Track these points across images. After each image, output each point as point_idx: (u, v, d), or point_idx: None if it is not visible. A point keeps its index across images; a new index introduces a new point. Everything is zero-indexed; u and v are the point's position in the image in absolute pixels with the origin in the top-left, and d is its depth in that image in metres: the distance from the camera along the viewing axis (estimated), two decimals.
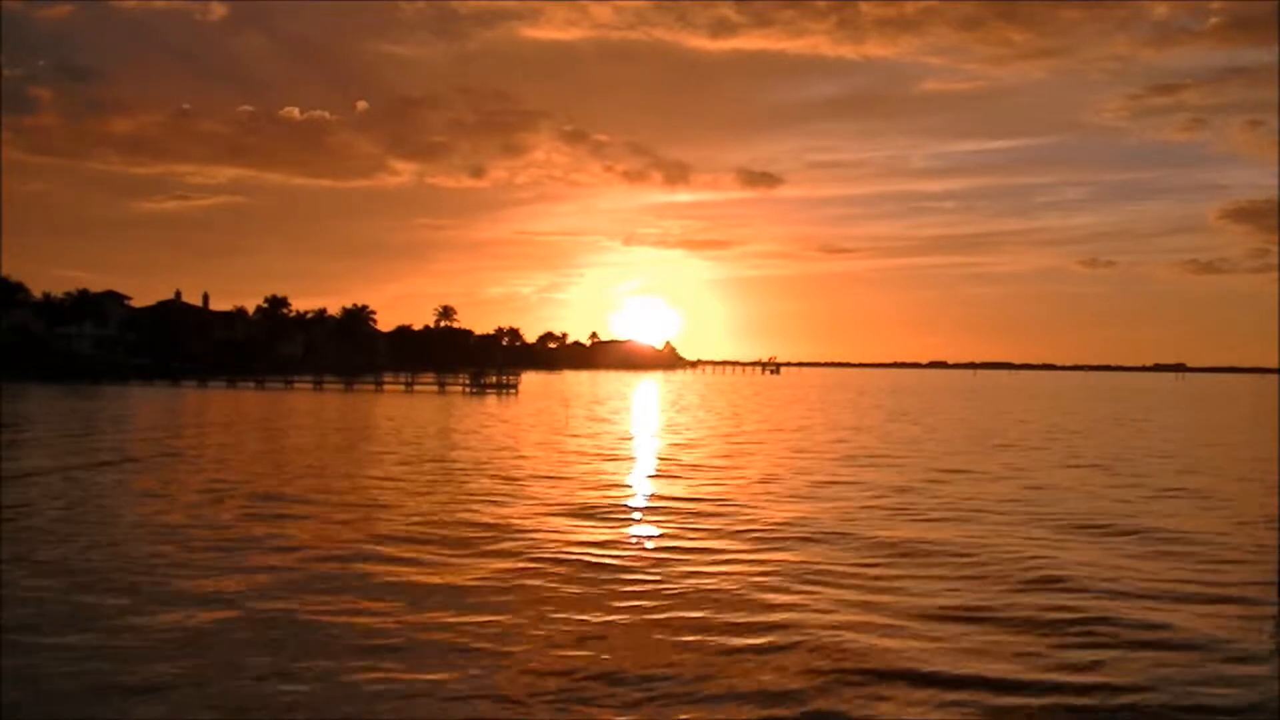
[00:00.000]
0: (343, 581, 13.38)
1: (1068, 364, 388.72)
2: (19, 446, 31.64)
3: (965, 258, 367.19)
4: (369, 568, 14.25)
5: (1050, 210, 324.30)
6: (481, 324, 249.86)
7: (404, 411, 57.89)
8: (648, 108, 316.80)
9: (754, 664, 10.04)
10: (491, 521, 18.35)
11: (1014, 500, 22.13)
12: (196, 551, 15.27)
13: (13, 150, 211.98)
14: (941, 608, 12.31)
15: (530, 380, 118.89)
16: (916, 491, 23.36)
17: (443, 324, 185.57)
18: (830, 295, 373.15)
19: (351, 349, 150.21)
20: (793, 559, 15.23)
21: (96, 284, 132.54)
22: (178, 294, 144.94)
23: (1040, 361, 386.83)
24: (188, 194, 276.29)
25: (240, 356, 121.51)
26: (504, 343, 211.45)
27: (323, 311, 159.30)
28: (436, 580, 13.51)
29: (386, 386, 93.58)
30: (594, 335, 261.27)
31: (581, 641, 10.73)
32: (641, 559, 15.36)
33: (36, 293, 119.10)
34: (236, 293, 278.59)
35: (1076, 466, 30.29)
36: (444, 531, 17.24)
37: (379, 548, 15.74)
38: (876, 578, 14.00)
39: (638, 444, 37.33)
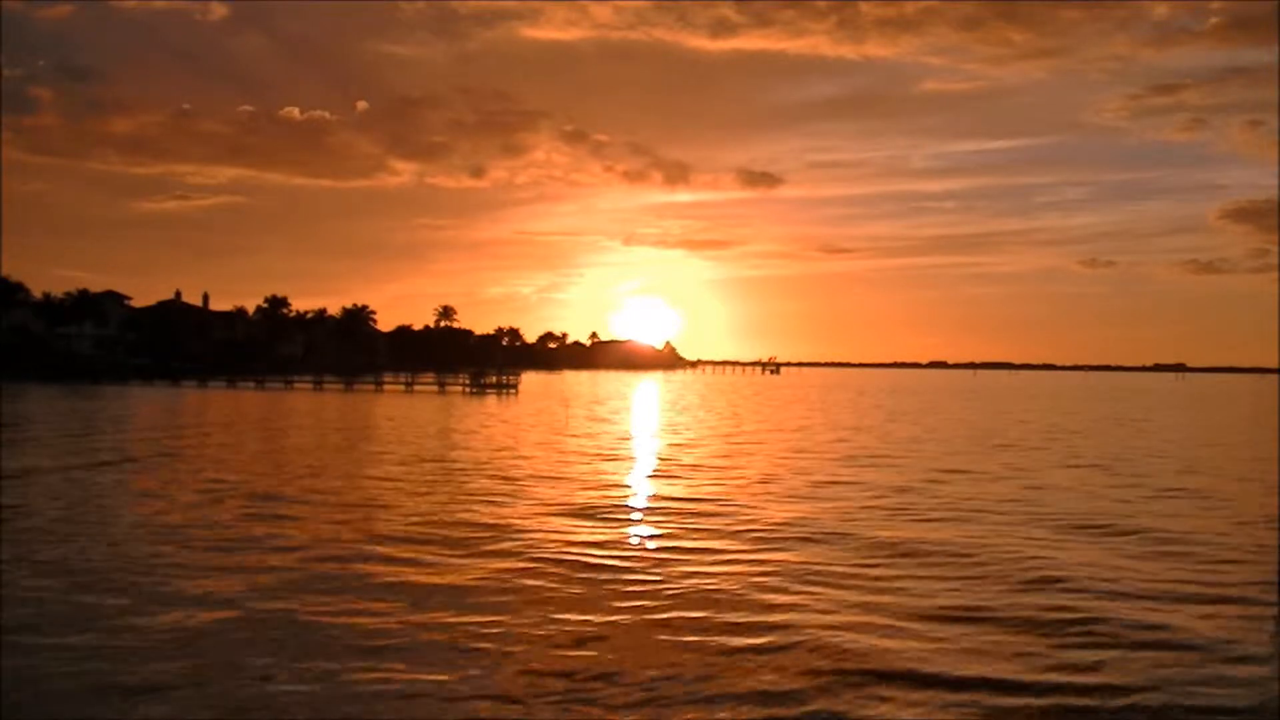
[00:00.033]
0: (343, 581, 13.38)
1: (1068, 364, 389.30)
2: (19, 446, 31.63)
3: (965, 258, 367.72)
4: (369, 568, 14.25)
5: (1050, 210, 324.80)
6: (481, 324, 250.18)
7: (404, 411, 57.89)
8: (648, 108, 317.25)
9: (754, 664, 10.03)
10: (491, 522, 18.35)
11: (1014, 500, 22.13)
12: (196, 551, 15.27)
13: (13, 150, 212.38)
14: (941, 608, 12.31)
15: (530, 380, 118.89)
16: (916, 491, 23.36)
17: (443, 324, 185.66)
18: (830, 295, 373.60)
19: (351, 349, 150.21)
20: (792, 559, 15.23)
21: (96, 284, 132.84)
22: (178, 294, 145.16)
23: (1040, 361, 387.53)
24: (188, 194, 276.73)
25: (240, 356, 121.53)
26: (504, 343, 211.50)
27: (323, 311, 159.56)
28: (436, 580, 13.51)
29: (386, 386, 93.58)
30: (594, 335, 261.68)
31: (582, 642, 10.73)
32: (641, 559, 15.36)
33: (36, 293, 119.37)
34: (236, 293, 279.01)
35: (1076, 466, 30.29)
36: (444, 532, 17.24)
37: (379, 548, 15.74)
38: (876, 578, 13.99)
39: (637, 444, 37.33)
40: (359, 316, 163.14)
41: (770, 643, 10.70)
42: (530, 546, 15.97)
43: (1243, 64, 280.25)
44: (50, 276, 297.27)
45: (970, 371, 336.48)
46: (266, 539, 16.40)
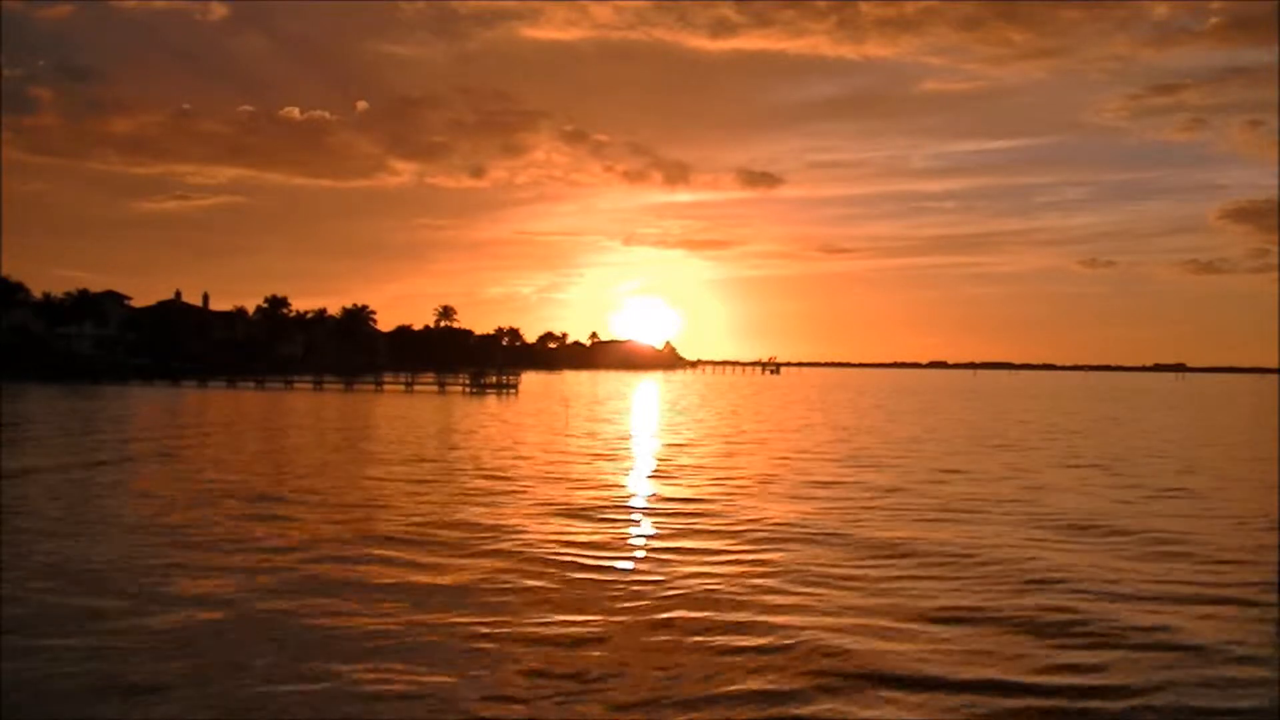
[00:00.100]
0: (342, 582, 13.37)
1: (1068, 364, 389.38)
2: (18, 446, 31.63)
3: (965, 258, 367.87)
4: (369, 568, 14.24)
5: (1050, 210, 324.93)
6: (481, 324, 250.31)
7: (404, 411, 57.89)
8: (648, 108, 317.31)
9: (753, 665, 10.03)
10: (491, 522, 18.34)
11: (1014, 501, 22.12)
12: (196, 551, 15.27)
13: (13, 150, 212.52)
14: (941, 609, 12.30)
15: (530, 380, 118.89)
16: (916, 492, 23.36)
17: (443, 324, 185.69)
18: (830, 295, 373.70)
19: (351, 349, 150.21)
20: (792, 560, 15.22)
21: (96, 284, 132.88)
22: (178, 294, 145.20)
23: (1040, 361, 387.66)
24: (188, 194, 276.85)
25: (240, 356, 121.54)
26: (504, 343, 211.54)
27: (323, 311, 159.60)
28: (436, 581, 13.51)
29: (386, 386, 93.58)
30: (594, 335, 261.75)
31: (581, 642, 10.73)
32: (641, 560, 15.37)
33: (36, 293, 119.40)
34: (236, 293, 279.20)
35: (1076, 466, 30.28)
36: (444, 532, 17.24)
37: (379, 548, 15.73)
38: (876, 579, 13.99)
39: (637, 444, 37.33)
40: (359, 316, 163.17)
41: (770, 644, 10.70)
42: (530, 547, 15.97)
43: (1243, 64, 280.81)
44: (50, 276, 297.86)
45: (970, 371, 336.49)
46: (266, 539, 16.40)
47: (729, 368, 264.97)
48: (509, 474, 26.29)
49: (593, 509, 20.16)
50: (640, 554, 15.90)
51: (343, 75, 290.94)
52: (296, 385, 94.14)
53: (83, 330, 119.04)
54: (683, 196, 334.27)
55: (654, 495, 22.76)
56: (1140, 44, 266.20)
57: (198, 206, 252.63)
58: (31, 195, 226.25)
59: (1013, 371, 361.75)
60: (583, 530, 17.71)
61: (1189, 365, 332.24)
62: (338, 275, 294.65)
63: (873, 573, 14.37)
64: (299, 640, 10.67)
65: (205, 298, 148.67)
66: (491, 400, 75.32)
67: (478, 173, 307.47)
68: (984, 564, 15.06)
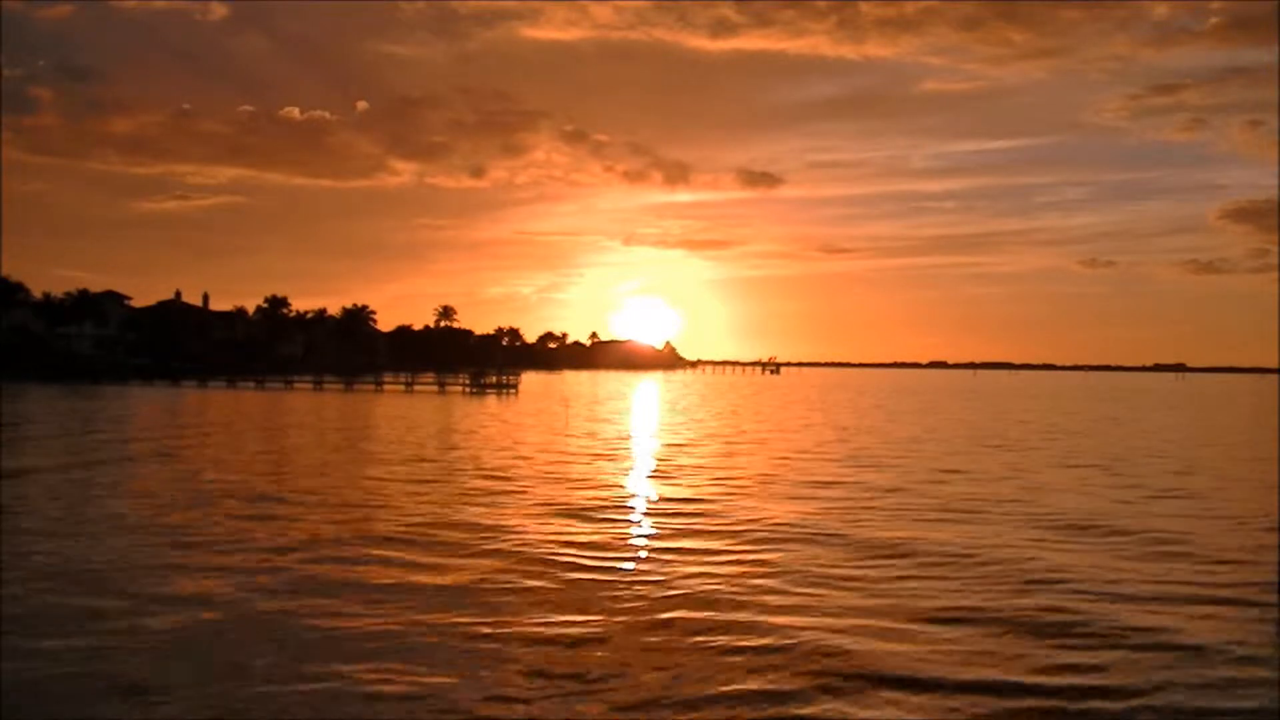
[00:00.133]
0: (343, 582, 13.37)
1: (1068, 364, 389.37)
2: (18, 446, 31.63)
3: (965, 258, 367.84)
4: (369, 568, 14.24)
5: (1050, 210, 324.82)
6: (481, 324, 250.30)
7: (404, 411, 57.90)
8: (648, 108, 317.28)
9: (753, 665, 10.03)
10: (491, 522, 18.34)
11: (1014, 501, 22.12)
12: (195, 551, 15.27)
13: (13, 150, 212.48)
14: (941, 609, 12.30)
15: (530, 380, 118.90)
16: (916, 492, 23.35)
17: (443, 324, 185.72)
18: (830, 295, 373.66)
19: (351, 349, 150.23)
20: (792, 560, 15.22)
21: (96, 284, 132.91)
22: (178, 294, 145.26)
23: (1040, 361, 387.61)
24: (188, 194, 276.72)
25: (240, 356, 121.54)
26: (504, 343, 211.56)
27: (323, 311, 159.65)
28: (436, 581, 13.50)
29: (386, 386, 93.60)
30: (594, 335, 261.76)
31: (581, 643, 10.73)
32: (641, 560, 15.37)
33: (36, 293, 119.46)
34: (236, 293, 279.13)
35: (1076, 467, 30.28)
36: (444, 532, 17.24)
37: (378, 548, 15.73)
38: (875, 579, 13.99)
39: (637, 444, 37.33)
40: (359, 316, 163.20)
41: (770, 644, 10.69)
42: (530, 547, 15.97)
43: (1243, 64, 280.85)
44: (50, 276, 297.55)
45: (970, 371, 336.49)
46: (266, 539, 16.40)
47: (729, 368, 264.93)
48: (509, 474, 26.29)
49: (593, 509, 20.16)
50: (640, 554, 15.89)
51: (343, 75, 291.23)
52: (296, 385, 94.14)
53: (83, 330, 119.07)
54: (683, 196, 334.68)
55: (654, 495, 22.76)
56: (1140, 44, 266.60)
57: (198, 206, 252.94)
58: (31, 195, 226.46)
59: (1013, 371, 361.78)
60: (583, 530, 17.71)
61: (1189, 365, 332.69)
62: (338, 275, 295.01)
63: (873, 573, 14.37)
64: (299, 640, 10.67)
65: (205, 298, 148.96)
66: (491, 400, 75.33)
67: (478, 173, 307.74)
68: (984, 564, 15.06)
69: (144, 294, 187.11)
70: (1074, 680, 9.72)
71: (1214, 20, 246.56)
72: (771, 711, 8.81)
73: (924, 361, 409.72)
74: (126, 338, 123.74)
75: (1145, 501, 22.69)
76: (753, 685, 9.42)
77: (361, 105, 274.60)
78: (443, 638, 10.82)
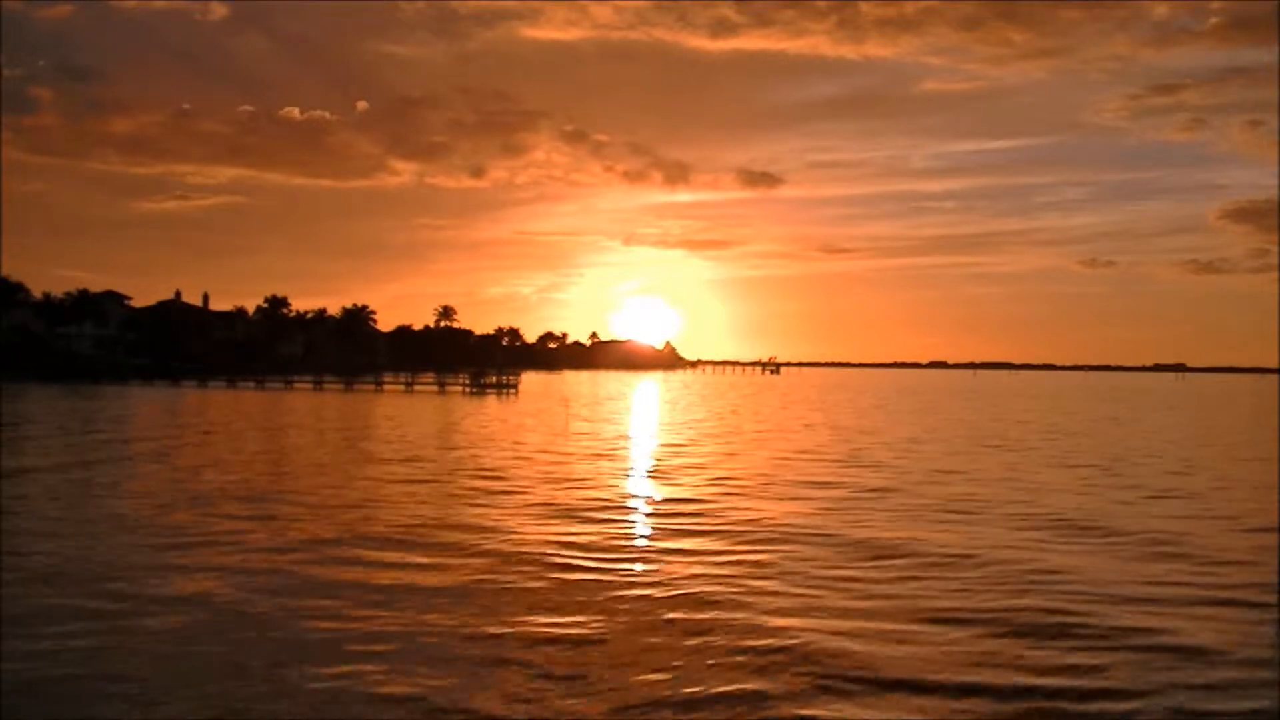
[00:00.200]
0: (342, 582, 13.37)
1: (1068, 364, 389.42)
2: (18, 446, 31.63)
3: (965, 258, 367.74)
4: (368, 568, 14.24)
5: (1050, 210, 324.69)
6: (481, 324, 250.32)
7: (404, 412, 57.90)
8: (648, 108, 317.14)
9: (753, 666, 10.01)
10: (491, 523, 18.35)
11: (1014, 502, 22.11)
12: (195, 551, 15.26)
13: (13, 150, 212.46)
14: (940, 611, 12.29)
15: (530, 380, 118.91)
16: (916, 493, 23.35)
17: (443, 324, 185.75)
18: (830, 295, 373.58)
19: (351, 349, 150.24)
20: (791, 561, 15.21)
21: (96, 284, 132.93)
22: (178, 294, 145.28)
23: (1040, 361, 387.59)
24: (188, 194, 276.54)
25: (240, 356, 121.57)
26: (504, 343, 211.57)
27: (323, 311, 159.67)
28: (435, 582, 13.49)
29: (386, 386, 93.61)
30: (594, 335, 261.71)
31: (581, 643, 10.72)
32: (640, 561, 15.36)
33: (36, 293, 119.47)
34: (236, 293, 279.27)
35: (1076, 467, 30.28)
36: (443, 533, 17.24)
37: (378, 549, 15.73)
38: (875, 580, 13.98)
39: (637, 444, 37.33)
40: (359, 316, 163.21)
41: (769, 645, 10.68)
42: (529, 547, 15.96)
43: (1243, 64, 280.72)
44: (50, 276, 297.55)
45: (970, 371, 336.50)
46: (266, 539, 16.39)
47: (729, 368, 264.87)
48: (509, 474, 26.29)
49: (592, 509, 20.16)
50: (639, 555, 15.89)
51: (343, 75, 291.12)
52: (296, 385, 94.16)
53: (83, 330, 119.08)
54: (683, 196, 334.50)
55: (653, 496, 22.76)
56: (1140, 44, 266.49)
57: (198, 206, 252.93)
58: (31, 195, 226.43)
59: (1013, 371, 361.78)
60: (582, 531, 17.71)
61: (1189, 365, 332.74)
62: (338, 275, 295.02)
63: (872, 574, 14.36)
64: (299, 640, 10.67)
65: (205, 298, 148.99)
66: (491, 400, 75.33)
67: (478, 173, 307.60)
68: (984, 565, 15.05)
69: (144, 294, 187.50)
70: (1074, 682, 9.70)
71: (1214, 20, 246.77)
72: (771, 712, 8.81)
73: (924, 361, 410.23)
74: (126, 338, 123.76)
75: (1145, 502, 22.68)
76: (752, 686, 9.41)
77: (361, 105, 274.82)
78: (442, 638, 10.82)
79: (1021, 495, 23.28)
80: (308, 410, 58.59)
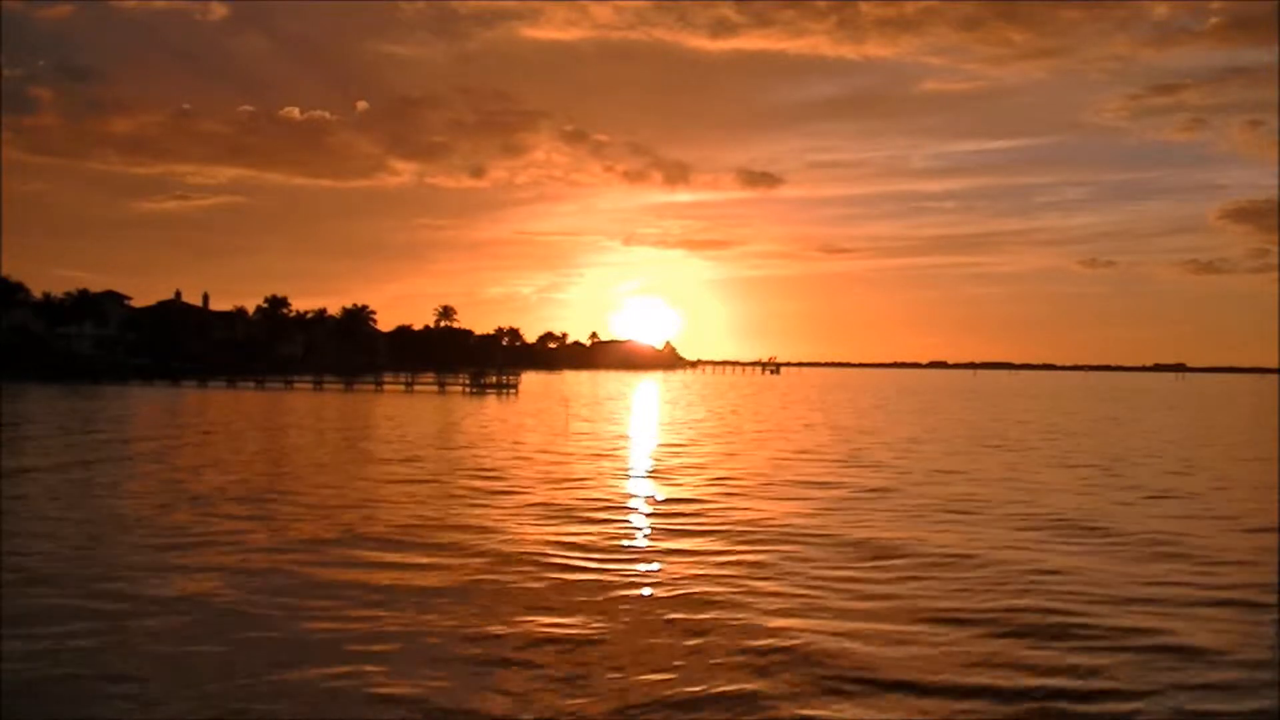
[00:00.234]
0: (342, 583, 13.36)
1: (1068, 364, 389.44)
2: (18, 446, 31.63)
3: (965, 258, 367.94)
4: (368, 569, 14.23)
5: (1050, 210, 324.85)
6: (481, 324, 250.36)
7: (404, 412, 57.90)
8: (648, 108, 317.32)
9: (753, 667, 10.01)
10: (490, 523, 18.35)
11: (1014, 502, 22.11)
12: (194, 551, 15.26)
13: (13, 150, 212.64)
14: (940, 611, 12.28)
15: (530, 380, 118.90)
16: (915, 493, 23.34)
17: (443, 324, 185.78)
18: (830, 295, 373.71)
19: (351, 349, 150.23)
20: (791, 561, 15.21)
21: (96, 284, 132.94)
22: (178, 294, 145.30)
23: (1040, 361, 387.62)
24: (188, 194, 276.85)
25: (240, 356, 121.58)
26: (504, 343, 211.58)
27: (323, 311, 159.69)
28: (435, 582, 13.49)
29: (386, 386, 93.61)
30: (594, 335, 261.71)
31: (580, 643, 10.72)
32: (640, 561, 15.36)
33: (36, 293, 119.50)
34: (236, 293, 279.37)
35: (1075, 467, 30.28)
36: (443, 533, 17.24)
37: (377, 549, 15.73)
38: (875, 581, 13.97)
39: (636, 444, 37.33)
40: (359, 316, 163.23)
41: (769, 645, 10.67)
42: (529, 548, 15.96)
43: (1243, 64, 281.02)
44: (50, 276, 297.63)
45: (970, 371, 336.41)
46: (265, 540, 16.39)
47: (729, 368, 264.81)
48: (508, 474, 26.29)
49: (592, 510, 20.16)
50: (639, 555, 15.89)
51: (343, 75, 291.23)
52: (296, 385, 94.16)
53: (83, 330, 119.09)
54: (683, 196, 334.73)
55: (653, 496, 22.75)
56: (1140, 44, 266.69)
57: (198, 206, 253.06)
58: (31, 195, 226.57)
59: (1013, 371, 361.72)
60: (582, 531, 17.70)
61: (1189, 365, 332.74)
62: (338, 275, 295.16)
63: (872, 574, 14.35)
64: (299, 640, 10.67)
65: (205, 298, 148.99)
66: (491, 400, 75.33)
67: (478, 173, 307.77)
68: (984, 565, 15.05)
69: (144, 294, 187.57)
70: (1074, 683, 9.70)
71: (1214, 20, 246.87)
72: (771, 713, 8.81)
73: (924, 361, 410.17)
74: (126, 338, 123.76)
75: (1145, 502, 22.67)
76: (752, 686, 9.41)
77: (361, 105, 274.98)
78: (442, 638, 10.82)
79: (1021, 495, 23.27)
80: (308, 410, 58.58)
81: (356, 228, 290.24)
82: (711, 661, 10.17)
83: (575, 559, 15.15)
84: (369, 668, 9.76)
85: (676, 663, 10.10)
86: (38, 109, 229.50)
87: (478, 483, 24.43)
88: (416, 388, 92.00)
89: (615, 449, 34.88)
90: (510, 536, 16.95)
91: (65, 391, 74.30)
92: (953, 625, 11.63)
